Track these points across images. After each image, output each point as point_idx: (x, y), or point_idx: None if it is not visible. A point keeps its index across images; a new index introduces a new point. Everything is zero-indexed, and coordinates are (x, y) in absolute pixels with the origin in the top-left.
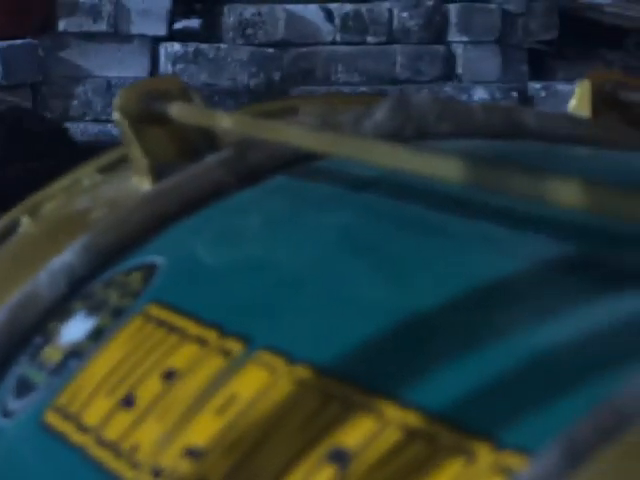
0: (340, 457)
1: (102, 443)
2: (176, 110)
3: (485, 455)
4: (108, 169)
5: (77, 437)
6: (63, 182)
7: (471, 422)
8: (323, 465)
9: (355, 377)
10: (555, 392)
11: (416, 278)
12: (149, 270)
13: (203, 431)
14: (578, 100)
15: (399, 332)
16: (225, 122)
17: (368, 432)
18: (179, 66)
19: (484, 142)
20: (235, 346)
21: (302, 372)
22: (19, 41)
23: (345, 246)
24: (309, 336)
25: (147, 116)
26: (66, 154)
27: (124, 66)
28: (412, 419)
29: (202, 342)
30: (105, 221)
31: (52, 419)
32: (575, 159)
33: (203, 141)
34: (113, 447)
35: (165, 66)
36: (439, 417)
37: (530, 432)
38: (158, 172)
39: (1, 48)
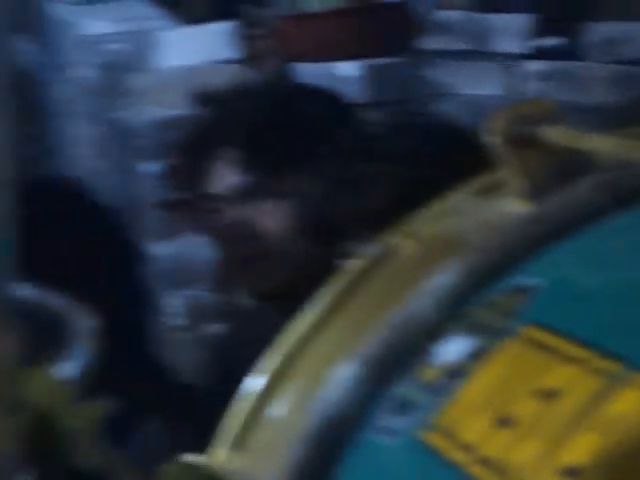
0: None
1: (480, 461)
2: (548, 133)
3: None
4: (483, 191)
5: (455, 455)
6: (440, 204)
7: None
8: None
9: None
10: None
11: None
12: (527, 292)
13: (582, 450)
14: None
15: None
16: (600, 145)
17: None
18: (540, 84)
19: None
20: (612, 366)
21: None
22: (383, 59)
23: None
24: None
25: (520, 139)
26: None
27: (484, 84)
28: None
29: (579, 362)
30: (483, 243)
31: (431, 436)
32: None
33: (577, 164)
34: (491, 465)
35: (525, 84)
36: None
37: None
38: (534, 195)
39: (368, 66)
